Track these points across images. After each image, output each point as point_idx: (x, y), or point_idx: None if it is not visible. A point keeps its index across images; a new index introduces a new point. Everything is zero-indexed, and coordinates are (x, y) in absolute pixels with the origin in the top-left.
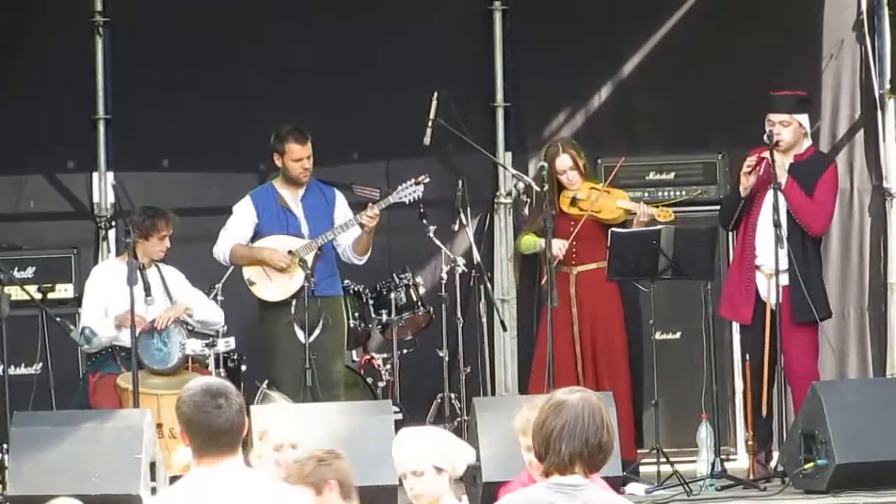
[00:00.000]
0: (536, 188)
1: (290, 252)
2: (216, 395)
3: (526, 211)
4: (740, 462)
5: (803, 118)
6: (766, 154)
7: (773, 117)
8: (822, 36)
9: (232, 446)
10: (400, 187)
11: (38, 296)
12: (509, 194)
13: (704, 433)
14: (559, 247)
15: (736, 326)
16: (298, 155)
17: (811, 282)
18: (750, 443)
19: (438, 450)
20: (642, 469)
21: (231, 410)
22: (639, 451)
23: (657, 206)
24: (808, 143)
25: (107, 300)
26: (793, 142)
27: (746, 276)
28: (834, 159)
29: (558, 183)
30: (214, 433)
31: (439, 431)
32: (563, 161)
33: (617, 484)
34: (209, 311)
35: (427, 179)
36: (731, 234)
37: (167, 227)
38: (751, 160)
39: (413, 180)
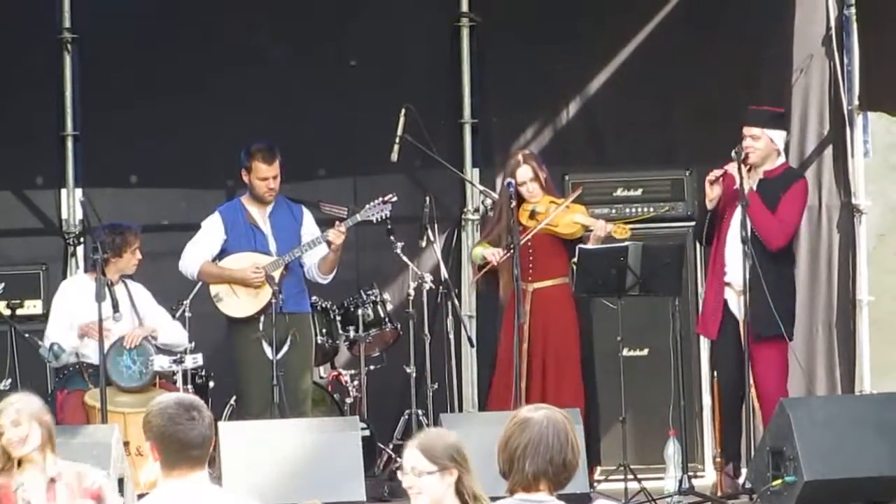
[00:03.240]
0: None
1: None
2: (189, 408)
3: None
4: (708, 478)
5: (775, 134)
6: (731, 166)
7: (745, 130)
8: (791, 51)
9: (202, 459)
10: (368, 206)
11: (7, 312)
12: (476, 210)
13: (672, 449)
14: (493, 253)
15: (704, 343)
16: (265, 174)
17: (773, 298)
18: (717, 459)
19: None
20: (610, 486)
21: (203, 424)
22: (605, 467)
23: (615, 223)
24: (781, 159)
25: (73, 316)
26: (763, 156)
27: (717, 292)
28: (804, 176)
29: (519, 195)
30: (187, 445)
31: None
32: (524, 172)
33: (584, 501)
34: (173, 333)
35: (395, 198)
36: (702, 250)
37: (136, 239)
38: (716, 172)
39: (381, 199)
